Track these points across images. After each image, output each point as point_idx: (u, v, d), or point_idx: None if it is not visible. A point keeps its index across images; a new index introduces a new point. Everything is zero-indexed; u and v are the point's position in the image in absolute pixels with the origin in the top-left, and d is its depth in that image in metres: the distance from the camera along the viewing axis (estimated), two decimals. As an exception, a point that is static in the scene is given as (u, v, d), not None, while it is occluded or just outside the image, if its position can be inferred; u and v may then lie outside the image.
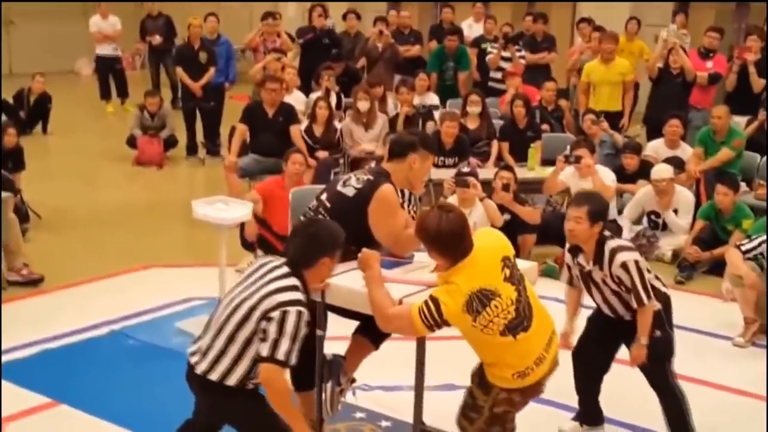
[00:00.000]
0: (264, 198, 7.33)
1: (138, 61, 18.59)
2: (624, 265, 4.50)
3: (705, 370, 5.81)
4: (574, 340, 5.02)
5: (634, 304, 4.57)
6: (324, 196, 4.44)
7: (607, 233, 4.64)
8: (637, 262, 4.52)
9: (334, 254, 3.83)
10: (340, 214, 4.28)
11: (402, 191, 4.45)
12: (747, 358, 6.24)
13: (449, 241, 3.81)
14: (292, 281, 3.71)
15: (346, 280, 4.12)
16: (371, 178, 4.36)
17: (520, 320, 3.89)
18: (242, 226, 7.16)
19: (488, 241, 3.97)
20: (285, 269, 3.75)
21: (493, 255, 3.90)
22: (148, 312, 6.57)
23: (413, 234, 4.24)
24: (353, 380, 4.49)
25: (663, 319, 4.69)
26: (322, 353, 4.29)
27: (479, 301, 3.76)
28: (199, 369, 3.74)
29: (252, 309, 3.66)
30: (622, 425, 5.18)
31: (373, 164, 7.71)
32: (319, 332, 4.22)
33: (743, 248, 6.53)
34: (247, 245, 7.41)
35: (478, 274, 3.80)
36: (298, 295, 3.67)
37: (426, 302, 3.79)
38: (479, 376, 4.11)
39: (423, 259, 4.35)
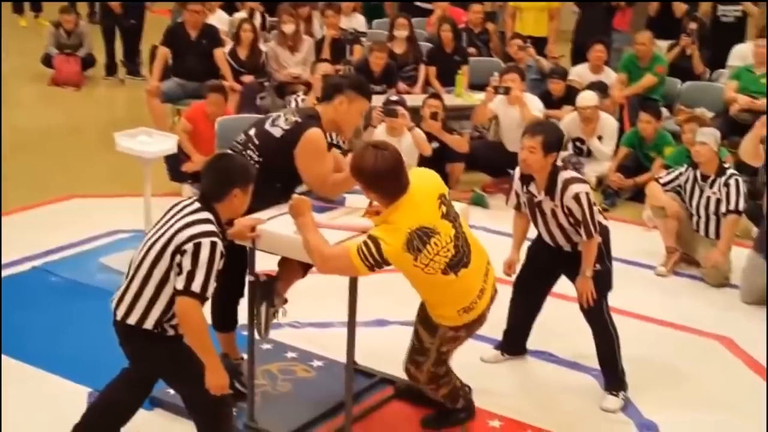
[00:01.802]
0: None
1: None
2: (576, 197, 4.52)
3: (628, 299, 5.86)
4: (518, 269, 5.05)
5: (583, 236, 4.59)
6: (252, 132, 4.37)
7: (559, 164, 4.66)
8: (588, 194, 4.56)
9: (245, 186, 3.78)
10: (267, 153, 4.26)
11: (330, 135, 4.39)
12: (668, 287, 6.40)
13: (386, 180, 3.81)
14: (204, 215, 3.68)
15: (276, 227, 4.08)
16: (299, 120, 4.29)
17: (460, 257, 3.93)
18: (169, 161, 7.05)
19: (424, 179, 3.99)
20: (196, 205, 3.72)
21: (429, 193, 3.93)
22: (70, 246, 6.41)
23: (340, 178, 4.28)
24: (285, 300, 4.45)
25: (603, 252, 4.74)
26: (254, 289, 4.23)
27: (419, 239, 3.78)
28: (119, 314, 3.71)
29: (165, 246, 3.62)
30: (542, 356, 5.27)
31: (300, 95, 7.61)
32: (249, 278, 4.19)
33: (662, 181, 6.65)
34: (177, 177, 7.29)
35: (416, 213, 3.82)
36: (210, 227, 3.64)
37: (365, 242, 3.78)
38: (424, 319, 4.12)
39: (354, 203, 4.34)
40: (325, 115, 4.34)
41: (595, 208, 4.64)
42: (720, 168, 6.42)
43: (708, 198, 6.43)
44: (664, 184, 6.63)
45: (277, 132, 4.28)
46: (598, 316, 4.78)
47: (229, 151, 4.26)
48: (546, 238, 4.83)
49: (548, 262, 4.89)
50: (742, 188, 6.34)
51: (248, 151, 4.29)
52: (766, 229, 6.04)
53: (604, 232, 4.76)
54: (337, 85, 4.39)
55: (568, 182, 4.55)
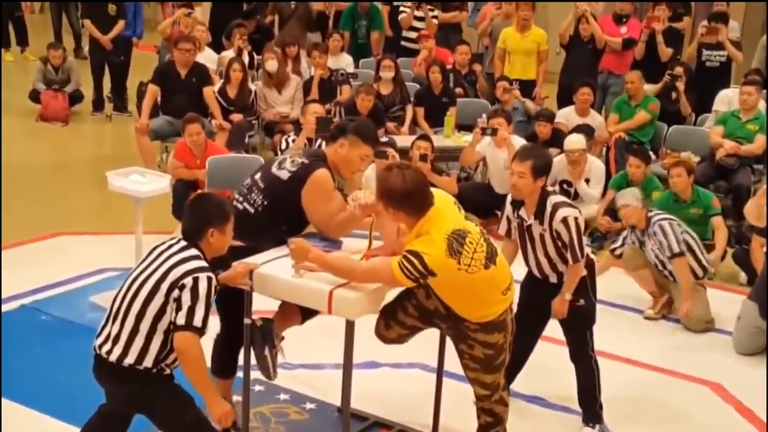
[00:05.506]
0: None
1: (36, 6, 17.93)
2: (565, 221, 4.56)
3: (617, 344, 5.92)
4: None
5: (569, 261, 4.64)
6: (258, 176, 4.43)
7: (549, 188, 4.72)
8: (576, 219, 4.60)
9: (221, 226, 3.83)
10: (274, 196, 4.30)
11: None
12: (657, 332, 6.41)
13: (417, 196, 3.86)
14: (193, 251, 3.74)
15: (274, 270, 4.08)
16: (306, 161, 4.35)
17: (492, 249, 4.00)
18: (176, 195, 7.05)
19: (436, 191, 4.07)
20: (182, 243, 3.78)
21: (447, 200, 4.04)
22: (60, 284, 6.36)
23: (343, 218, 4.30)
24: (282, 338, 4.45)
25: (587, 287, 4.79)
26: (251, 335, 4.23)
27: (456, 241, 3.83)
28: (113, 356, 3.69)
29: (159, 282, 3.65)
30: (531, 399, 5.29)
31: (291, 135, 7.63)
32: (246, 321, 4.18)
33: (616, 252, 6.76)
34: (179, 215, 7.29)
35: (446, 219, 3.89)
36: (203, 263, 3.71)
37: (405, 257, 3.81)
38: (479, 329, 4.10)
39: (351, 247, 4.34)
40: (330, 156, 4.41)
41: (585, 240, 4.69)
42: (648, 221, 6.48)
43: (653, 249, 6.48)
44: (618, 255, 6.72)
45: (284, 174, 4.32)
46: (583, 353, 4.85)
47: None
48: (533, 267, 4.86)
49: (541, 299, 4.87)
50: (670, 229, 6.34)
51: (252, 195, 4.33)
52: (765, 281, 6.03)
53: (590, 265, 4.81)
54: (341, 127, 4.47)
55: (557, 206, 4.61)
